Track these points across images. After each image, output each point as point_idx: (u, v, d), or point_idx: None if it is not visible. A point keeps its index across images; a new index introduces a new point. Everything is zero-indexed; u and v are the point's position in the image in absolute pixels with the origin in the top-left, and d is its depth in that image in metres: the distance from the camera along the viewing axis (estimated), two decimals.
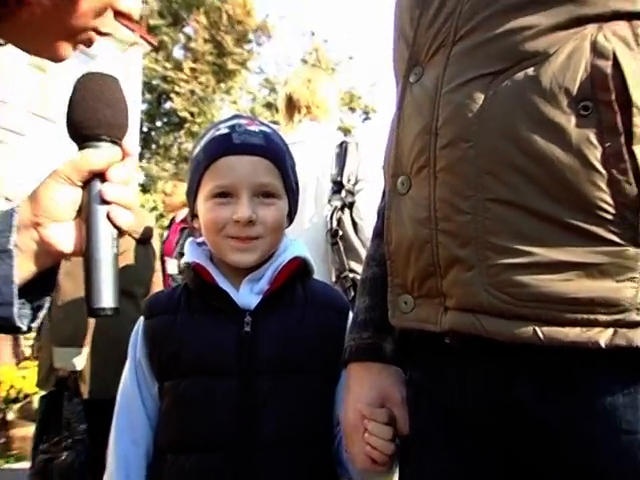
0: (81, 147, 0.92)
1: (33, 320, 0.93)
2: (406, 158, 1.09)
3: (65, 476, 3.22)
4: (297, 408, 1.39)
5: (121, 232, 0.92)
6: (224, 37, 22.96)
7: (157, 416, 1.47)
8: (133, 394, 1.48)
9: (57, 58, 0.91)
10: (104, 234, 0.90)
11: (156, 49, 20.79)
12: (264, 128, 1.51)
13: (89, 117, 0.91)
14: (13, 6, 0.81)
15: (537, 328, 0.91)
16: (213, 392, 1.39)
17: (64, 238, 0.91)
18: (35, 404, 5.76)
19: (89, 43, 0.92)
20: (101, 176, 0.91)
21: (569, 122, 0.91)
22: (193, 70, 22.36)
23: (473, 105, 0.97)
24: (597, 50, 0.91)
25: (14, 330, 0.91)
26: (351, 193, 2.75)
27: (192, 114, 22.54)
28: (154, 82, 22.54)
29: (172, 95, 22.62)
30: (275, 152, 1.48)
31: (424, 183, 1.04)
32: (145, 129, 22.45)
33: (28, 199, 0.91)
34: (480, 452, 1.06)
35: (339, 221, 2.71)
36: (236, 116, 1.56)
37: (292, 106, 3.08)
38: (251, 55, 25.06)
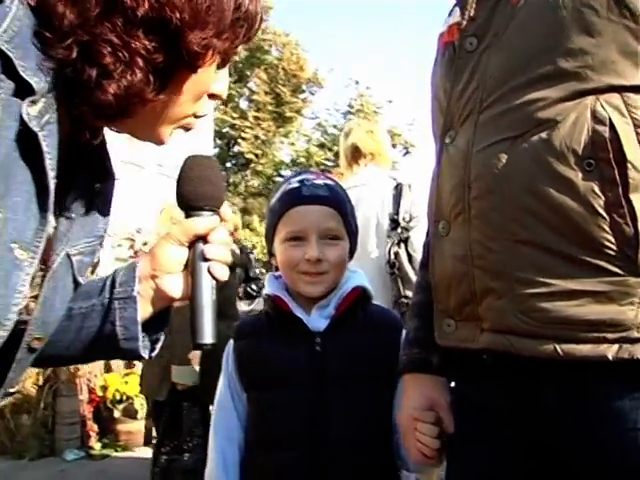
0: (188, 215, 1.00)
1: (152, 350, 1.02)
2: (445, 206, 1.14)
3: (186, 474, 3.31)
4: (361, 412, 1.43)
5: (218, 282, 0.99)
6: (282, 89, 23.19)
7: (247, 419, 1.53)
8: (227, 401, 1.55)
9: (160, 142, 1.00)
10: (206, 285, 0.97)
11: (225, 102, 21.10)
12: (328, 181, 1.57)
13: (195, 192, 1.00)
14: (139, 106, 0.90)
15: (557, 345, 0.96)
16: (290, 400, 1.45)
17: (174, 287, 0.99)
18: (135, 405, 5.92)
19: (189, 127, 1.01)
20: (203, 238, 0.99)
21: (577, 176, 0.97)
22: (256, 118, 22.57)
23: (498, 163, 1.03)
24: (596, 117, 0.97)
25: (138, 358, 1.01)
26: (406, 229, 2.82)
27: (256, 155, 22.75)
28: (224, 130, 22.80)
29: (239, 140, 22.85)
30: (337, 201, 1.54)
31: (461, 227, 1.10)
32: None
33: (147, 256, 1.01)
34: (513, 449, 1.10)
35: (396, 254, 2.79)
36: (304, 171, 1.64)
37: (358, 154, 3.16)
38: (305, 103, 25.20)
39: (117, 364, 6.11)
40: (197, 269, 0.98)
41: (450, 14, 1.29)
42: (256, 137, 22.69)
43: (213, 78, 0.97)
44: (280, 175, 24.19)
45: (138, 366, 5.84)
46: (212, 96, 1.00)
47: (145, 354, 1.00)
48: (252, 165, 22.91)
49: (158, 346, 1.03)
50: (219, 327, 1.00)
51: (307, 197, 1.51)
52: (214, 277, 0.98)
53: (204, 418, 3.48)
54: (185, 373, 3.57)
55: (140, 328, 0.97)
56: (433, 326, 1.22)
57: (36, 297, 0.90)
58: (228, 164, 24.33)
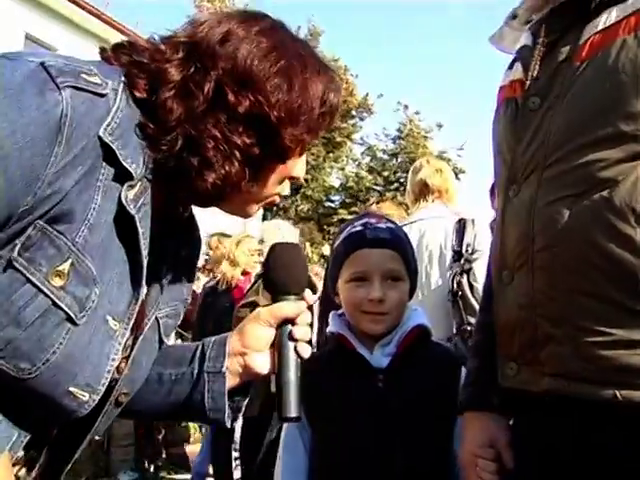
0: (276, 299, 1.10)
1: (234, 420, 1.12)
2: (509, 256, 1.20)
3: None
4: (423, 446, 1.48)
5: (302, 360, 1.08)
6: None
7: (312, 451, 1.59)
8: (295, 434, 1.61)
9: (248, 217, 1.11)
10: (292, 362, 1.07)
11: None
12: (389, 225, 1.65)
13: (286, 280, 1.10)
14: (233, 194, 1.01)
15: (616, 391, 1.01)
16: (354, 435, 1.51)
17: (262, 364, 1.09)
18: (188, 428, 6.02)
19: (273, 204, 1.12)
20: (290, 319, 1.08)
21: (636, 233, 1.02)
22: None
23: (561, 219, 1.09)
24: None
25: (223, 426, 1.11)
26: (468, 261, 2.95)
27: (306, 180, 22.98)
28: None
29: None
30: (399, 244, 1.62)
31: (524, 277, 1.15)
32: None
33: (237, 333, 1.11)
34: None
35: (459, 284, 2.92)
36: (366, 215, 1.72)
37: (426, 189, 3.36)
38: (355, 129, 25.40)
39: None
40: (285, 348, 1.07)
41: (510, 67, 1.36)
42: (306, 162, 22.89)
43: (296, 164, 1.09)
44: (330, 200, 24.33)
45: None
46: (291, 178, 1.11)
47: (229, 424, 1.10)
48: (302, 190, 23.10)
49: (240, 415, 1.13)
50: None
51: (370, 240, 1.59)
52: (299, 355, 1.07)
53: None
54: None
55: (227, 401, 1.07)
56: (493, 365, 1.27)
57: (127, 358, 1.00)
58: None
